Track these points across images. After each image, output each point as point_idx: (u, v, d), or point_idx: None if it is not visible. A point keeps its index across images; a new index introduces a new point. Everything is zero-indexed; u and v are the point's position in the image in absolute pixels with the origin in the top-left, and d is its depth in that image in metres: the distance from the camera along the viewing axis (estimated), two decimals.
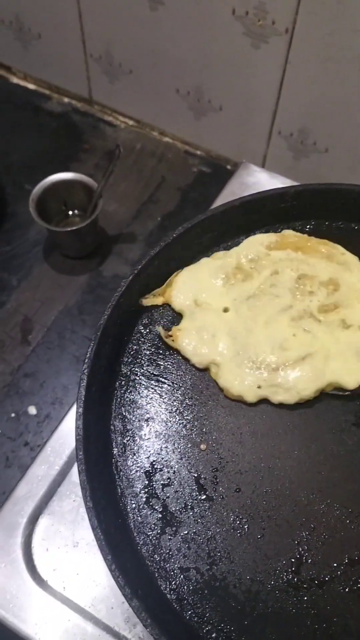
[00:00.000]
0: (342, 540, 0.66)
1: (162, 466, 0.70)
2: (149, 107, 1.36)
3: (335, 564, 0.65)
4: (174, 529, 0.67)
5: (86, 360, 0.71)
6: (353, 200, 0.84)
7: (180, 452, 0.71)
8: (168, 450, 0.71)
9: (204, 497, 0.68)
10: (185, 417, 0.73)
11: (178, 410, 0.73)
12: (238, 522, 0.67)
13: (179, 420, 0.73)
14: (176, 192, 1.32)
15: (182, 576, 0.65)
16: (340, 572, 0.64)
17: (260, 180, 1.08)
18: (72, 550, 0.78)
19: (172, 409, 0.73)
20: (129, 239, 1.24)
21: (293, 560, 0.65)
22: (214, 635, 0.62)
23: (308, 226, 0.86)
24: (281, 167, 1.25)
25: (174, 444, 0.71)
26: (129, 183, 1.32)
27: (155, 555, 0.66)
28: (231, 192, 1.04)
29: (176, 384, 0.75)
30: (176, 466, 0.70)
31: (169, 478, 0.69)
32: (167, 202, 1.30)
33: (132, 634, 0.73)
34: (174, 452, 0.71)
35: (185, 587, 0.64)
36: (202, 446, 0.71)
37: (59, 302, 1.18)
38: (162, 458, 0.70)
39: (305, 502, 0.68)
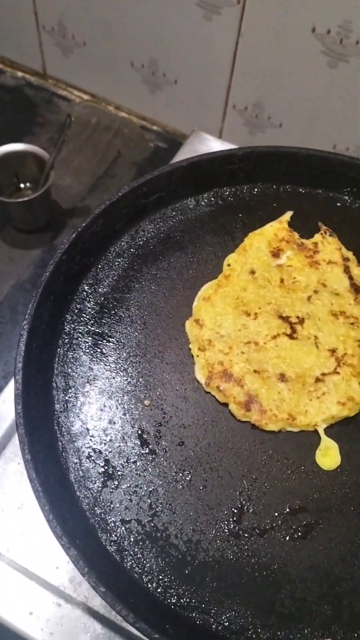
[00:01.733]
0: (283, 490, 0.66)
1: (104, 422, 0.69)
2: (104, 80, 1.35)
3: (276, 513, 0.65)
4: (115, 482, 0.66)
5: (26, 317, 0.70)
6: (300, 163, 0.85)
7: (124, 408, 0.70)
8: (111, 406, 0.71)
9: (146, 451, 0.68)
10: (129, 374, 0.72)
11: (122, 368, 0.73)
12: (180, 474, 0.67)
13: (123, 377, 0.72)
14: (132, 166, 1.31)
15: (123, 528, 0.64)
16: (281, 521, 0.65)
17: (212, 148, 1.08)
18: (17, 512, 0.77)
19: (116, 367, 0.73)
20: (83, 212, 1.23)
21: (234, 510, 0.65)
22: (154, 584, 0.62)
23: (255, 189, 0.87)
24: (237, 142, 1.25)
25: (117, 401, 0.71)
26: (83, 157, 1.31)
27: (96, 508, 0.65)
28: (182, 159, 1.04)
29: (121, 342, 0.75)
30: (119, 422, 0.70)
31: (111, 433, 0.69)
32: (123, 176, 1.29)
33: (76, 593, 0.73)
34: (117, 408, 0.70)
35: (126, 539, 0.64)
36: (146, 402, 0.71)
37: (12, 277, 1.16)
38: (105, 414, 0.70)
39: (247, 454, 0.68)
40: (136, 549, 0.63)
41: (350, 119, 1.14)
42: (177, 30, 1.17)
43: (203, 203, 0.85)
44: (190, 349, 0.74)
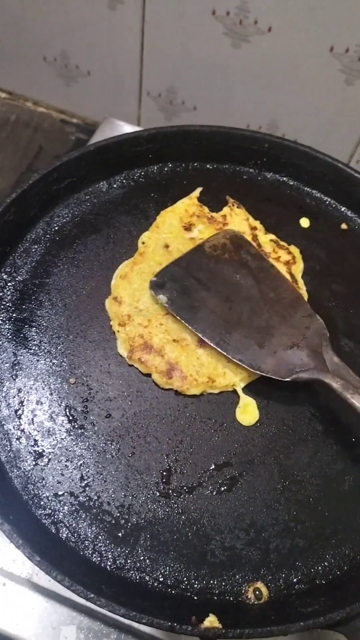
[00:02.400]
0: (207, 449, 0.70)
1: (32, 404, 0.71)
2: (19, 77, 1.36)
3: (202, 471, 0.69)
4: (46, 459, 0.68)
5: None
6: (205, 141, 0.88)
7: (49, 388, 0.73)
8: (38, 388, 0.72)
9: (75, 427, 0.70)
10: (53, 355, 0.74)
11: (46, 350, 0.75)
12: (109, 444, 0.69)
13: (47, 359, 0.74)
14: (55, 160, 1.32)
15: (56, 502, 0.66)
16: (207, 477, 0.68)
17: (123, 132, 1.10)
18: None
19: (39, 350, 0.75)
20: None
21: (163, 472, 0.68)
22: (89, 550, 0.64)
23: (165, 169, 0.90)
24: None
25: (43, 382, 0.73)
26: (5, 155, 1.31)
27: (29, 486, 0.67)
28: None
29: (43, 326, 0.76)
30: (47, 402, 0.72)
31: (39, 414, 0.71)
32: None
33: (20, 571, 0.74)
34: (43, 389, 0.72)
35: (60, 511, 0.66)
36: (71, 380, 0.73)
37: None
38: (32, 396, 0.72)
39: (172, 419, 0.71)
40: (70, 520, 0.66)
41: (261, 98, 1.19)
42: (84, 21, 1.18)
43: (115, 185, 0.88)
44: (111, 325, 0.76)
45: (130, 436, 0.70)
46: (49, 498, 0.67)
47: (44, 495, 0.67)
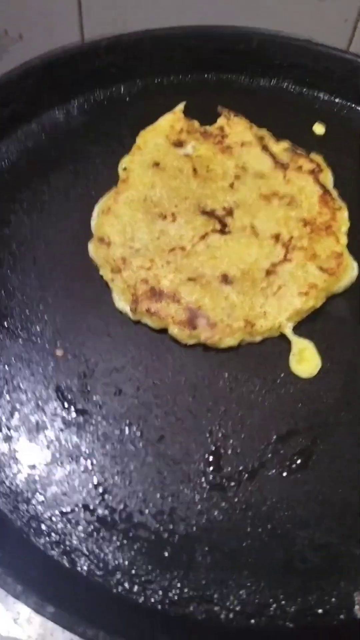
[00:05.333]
0: (262, 417, 0.50)
1: (8, 392, 0.50)
2: None
3: (262, 446, 0.49)
4: (40, 466, 0.47)
5: None
6: (179, 47, 0.70)
7: (29, 368, 0.52)
8: (12, 371, 0.52)
9: (73, 413, 0.50)
10: (29, 325, 0.54)
11: (18, 319, 0.54)
12: (127, 429, 0.49)
13: (22, 331, 0.53)
14: None
15: (64, 522, 0.45)
16: (271, 453, 0.49)
17: None
18: None
19: (9, 321, 0.54)
20: None
21: (209, 456, 0.49)
22: (126, 585, 0.44)
23: (134, 87, 0.71)
24: None
25: (20, 361, 0.52)
26: None
27: (20, 506, 0.46)
28: None
29: (9, 289, 0.56)
30: (29, 386, 0.51)
31: (20, 404, 0.50)
32: None
33: (27, 634, 0.52)
34: (20, 370, 0.52)
35: (72, 535, 0.45)
36: (58, 352, 0.53)
37: None
38: (7, 382, 0.51)
39: (207, 383, 0.52)
40: (90, 545, 0.45)
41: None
42: None
43: (75, 112, 0.68)
44: (101, 275, 0.56)
45: (154, 415, 0.50)
46: (54, 519, 0.46)
47: (46, 516, 0.46)
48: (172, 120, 0.66)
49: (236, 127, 0.65)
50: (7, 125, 0.64)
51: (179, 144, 0.63)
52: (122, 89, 0.71)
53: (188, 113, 0.68)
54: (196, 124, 0.66)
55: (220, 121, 0.66)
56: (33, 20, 1.03)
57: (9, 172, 0.63)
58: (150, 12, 0.98)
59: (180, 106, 0.68)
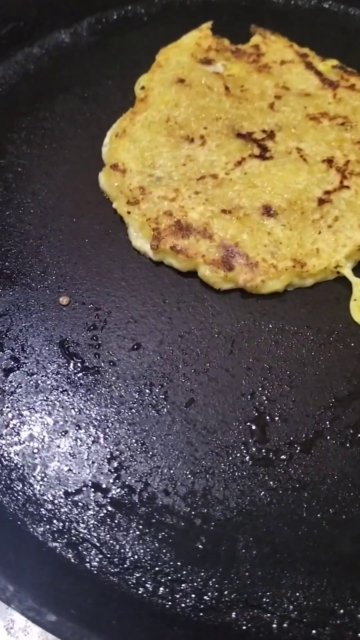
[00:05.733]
0: (317, 376, 0.41)
1: (4, 346, 0.41)
2: None
3: (318, 411, 0.39)
4: (39, 436, 0.38)
5: None
6: None
7: (29, 318, 0.42)
8: (9, 321, 0.42)
9: (81, 370, 0.40)
10: (27, 270, 0.44)
11: (17, 263, 0.44)
12: (147, 391, 0.39)
13: (21, 276, 0.44)
14: None
15: (70, 505, 0.36)
16: (329, 419, 0.39)
17: None
18: None
19: (5, 265, 0.44)
20: None
21: (252, 424, 0.39)
22: (149, 585, 0.34)
23: (152, 8, 0.61)
24: None
25: (20, 311, 0.42)
26: None
27: (15, 485, 0.36)
28: None
29: (6, 229, 0.46)
30: (28, 340, 0.41)
31: (16, 359, 0.40)
32: None
33: None
34: (20, 321, 0.42)
35: (80, 522, 0.35)
36: (63, 300, 0.43)
37: None
38: (2, 333, 0.41)
39: (247, 336, 0.42)
40: (102, 533, 0.35)
41: None
42: None
43: (84, 33, 0.59)
44: (114, 209, 0.46)
45: (182, 373, 0.40)
46: (56, 502, 0.36)
47: (46, 497, 0.36)
48: (199, 37, 0.56)
49: (274, 45, 0.55)
50: (5, 47, 0.55)
51: (207, 62, 0.53)
52: (139, 9, 0.61)
53: (215, 34, 0.58)
54: (226, 42, 0.57)
55: (255, 39, 0.56)
56: None
57: (7, 97, 0.54)
58: None
59: (208, 24, 0.58)
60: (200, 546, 0.35)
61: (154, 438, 0.38)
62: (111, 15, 0.60)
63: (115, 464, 0.37)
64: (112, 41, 0.59)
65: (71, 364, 0.40)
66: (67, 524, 0.35)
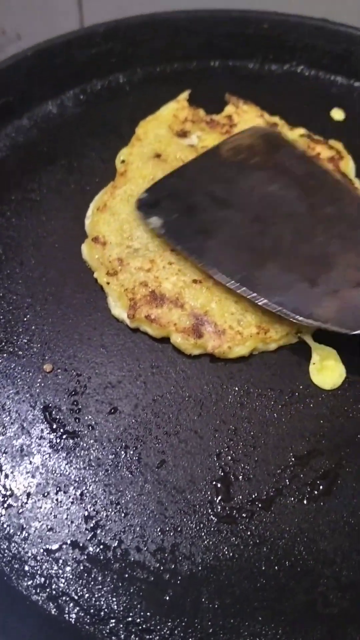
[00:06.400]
0: (278, 436, 0.44)
1: None
2: None
3: (278, 471, 0.43)
4: (22, 497, 0.42)
5: None
6: (184, 32, 0.65)
7: (14, 385, 0.46)
8: (1, 385, 0.46)
9: (62, 436, 0.44)
10: (13, 338, 0.48)
11: (3, 331, 0.49)
12: (122, 453, 0.43)
13: (6, 344, 0.48)
14: None
15: (50, 561, 0.39)
16: (289, 478, 0.42)
17: None
18: None
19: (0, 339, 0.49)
20: None
21: (217, 483, 0.42)
22: (122, 634, 0.37)
23: (134, 76, 0.66)
24: None
25: (5, 377, 0.46)
26: None
27: (1, 543, 0.40)
28: None
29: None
30: (13, 406, 0.45)
31: (2, 424, 0.44)
32: None
33: None
34: (4, 388, 0.46)
35: (60, 577, 0.39)
36: (47, 367, 0.47)
37: None
38: None
39: (215, 399, 0.46)
40: (79, 588, 0.39)
41: None
42: None
43: (70, 104, 0.63)
44: (95, 279, 0.51)
45: (154, 436, 0.44)
46: (38, 558, 0.40)
47: (29, 555, 0.40)
48: (176, 109, 0.60)
49: (246, 115, 0.60)
50: None
51: (183, 134, 0.58)
52: (121, 79, 0.66)
53: (192, 102, 0.62)
54: (201, 112, 0.61)
55: (229, 109, 0.61)
56: (32, 20, 0.98)
57: None
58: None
59: (185, 94, 0.62)
60: (167, 598, 0.39)
61: (128, 498, 0.42)
62: (95, 85, 0.65)
63: (92, 523, 0.41)
64: (96, 112, 0.63)
65: (53, 429, 0.44)
66: (48, 579, 0.39)
